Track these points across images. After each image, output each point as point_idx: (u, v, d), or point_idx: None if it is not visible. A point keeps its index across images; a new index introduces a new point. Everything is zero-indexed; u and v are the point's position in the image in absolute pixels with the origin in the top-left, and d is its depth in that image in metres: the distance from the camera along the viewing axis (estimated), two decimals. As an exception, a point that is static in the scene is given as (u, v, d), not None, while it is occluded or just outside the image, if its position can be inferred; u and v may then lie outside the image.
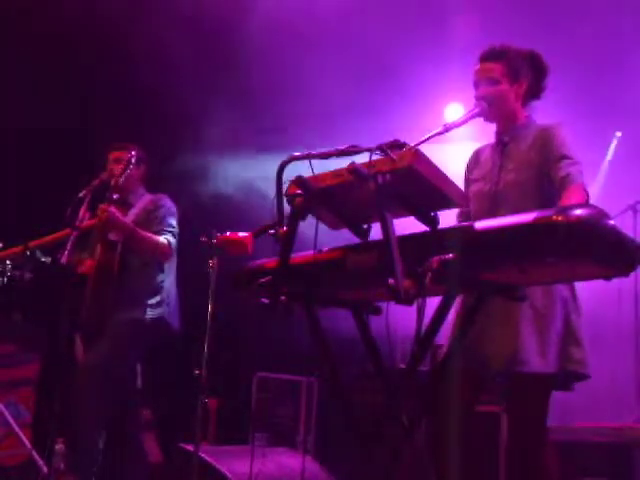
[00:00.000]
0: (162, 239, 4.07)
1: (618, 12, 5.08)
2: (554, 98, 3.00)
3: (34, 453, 4.53)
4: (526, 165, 2.76)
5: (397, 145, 2.09)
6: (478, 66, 2.87)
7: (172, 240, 4.11)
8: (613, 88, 5.25)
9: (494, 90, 2.81)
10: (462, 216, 2.92)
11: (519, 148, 2.82)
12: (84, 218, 3.89)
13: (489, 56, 2.85)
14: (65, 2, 5.28)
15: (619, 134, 5.56)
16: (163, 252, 4.07)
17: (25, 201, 5.71)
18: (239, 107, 5.83)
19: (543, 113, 2.96)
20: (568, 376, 2.66)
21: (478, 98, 2.83)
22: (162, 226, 4.12)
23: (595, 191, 5.38)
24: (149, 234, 4.04)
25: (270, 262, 2.35)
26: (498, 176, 2.82)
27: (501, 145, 2.88)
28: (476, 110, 2.80)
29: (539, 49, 2.94)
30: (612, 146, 5.57)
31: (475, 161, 3.01)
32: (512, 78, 2.83)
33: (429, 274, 1.92)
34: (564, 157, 2.70)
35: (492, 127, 2.95)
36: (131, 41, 5.30)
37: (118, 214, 3.96)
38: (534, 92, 2.90)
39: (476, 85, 2.87)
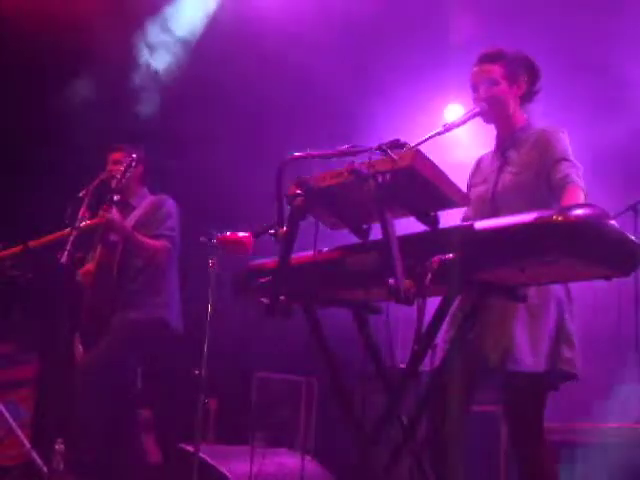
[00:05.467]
0: (158, 244, 4.07)
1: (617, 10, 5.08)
2: (554, 98, 3.00)
3: (34, 453, 4.53)
4: (524, 168, 2.77)
5: (397, 145, 2.10)
6: (476, 68, 2.87)
7: (168, 244, 4.12)
8: (612, 86, 5.26)
9: (495, 91, 2.82)
10: (465, 220, 2.92)
11: (518, 151, 2.82)
12: (84, 218, 3.90)
13: (487, 58, 2.86)
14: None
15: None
16: (158, 257, 4.08)
17: (25, 201, 5.71)
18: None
19: (542, 114, 2.96)
20: (558, 375, 2.66)
21: (478, 99, 2.83)
22: (161, 229, 4.13)
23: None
24: (145, 239, 4.05)
25: (270, 262, 2.35)
26: (497, 179, 2.83)
27: (501, 149, 2.89)
28: (476, 110, 2.81)
29: (538, 49, 2.94)
30: None
31: (476, 167, 3.02)
32: (511, 80, 2.84)
33: (429, 274, 1.92)
34: (563, 159, 2.70)
35: (492, 127, 2.95)
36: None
37: (117, 217, 3.97)
38: (529, 96, 2.91)
39: (475, 87, 2.87)
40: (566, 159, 2.70)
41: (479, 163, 3.02)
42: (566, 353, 2.63)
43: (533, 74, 2.89)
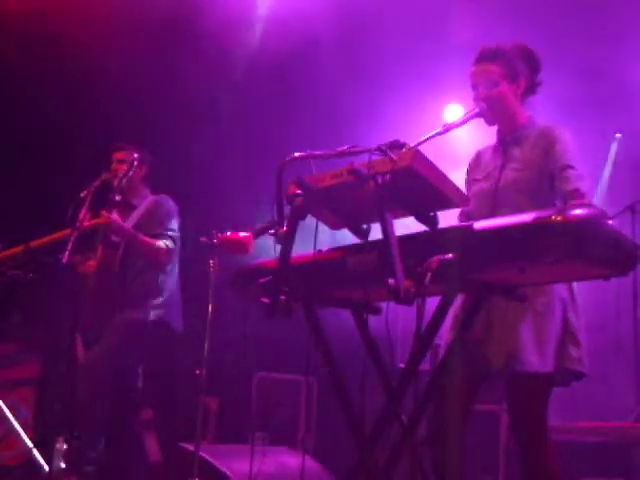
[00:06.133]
0: (160, 244, 4.08)
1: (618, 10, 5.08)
2: (553, 98, 3.00)
3: (35, 452, 4.54)
4: (527, 165, 2.76)
5: (397, 145, 2.10)
6: (475, 68, 2.85)
7: (170, 244, 4.12)
8: (612, 87, 5.26)
9: (494, 92, 2.80)
10: (463, 216, 2.92)
11: (521, 148, 2.81)
12: (85, 218, 3.90)
13: (485, 57, 2.83)
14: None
15: (619, 135, 5.56)
16: (160, 257, 4.08)
17: (25, 201, 5.72)
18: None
19: (542, 113, 2.96)
20: (566, 374, 2.66)
21: (478, 99, 2.83)
22: (162, 229, 4.13)
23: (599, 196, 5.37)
24: (148, 239, 4.05)
25: (270, 262, 2.35)
26: (499, 175, 2.82)
27: (503, 145, 2.88)
28: (476, 110, 2.80)
29: (538, 48, 2.93)
30: (612, 149, 5.56)
31: (476, 162, 3.00)
32: (510, 78, 2.82)
33: (429, 274, 1.92)
34: (569, 167, 2.68)
35: (493, 126, 2.95)
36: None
37: (118, 220, 3.97)
38: (530, 88, 2.90)
39: (474, 87, 2.85)
40: (572, 167, 2.68)
41: (479, 157, 3.00)
42: (573, 352, 2.63)
43: (533, 66, 2.87)
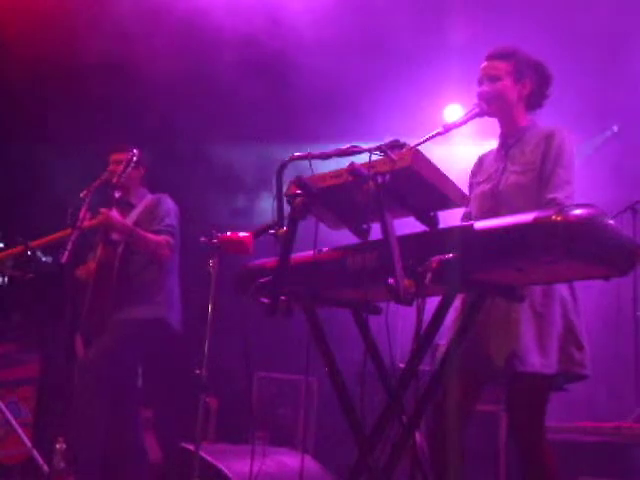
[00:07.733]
0: (161, 239, 4.08)
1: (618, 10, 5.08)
2: (552, 98, 3.00)
3: (35, 452, 4.54)
4: (528, 168, 2.76)
5: (397, 145, 2.10)
6: (485, 63, 2.87)
7: (171, 240, 4.12)
8: (613, 85, 5.26)
9: (497, 87, 2.81)
10: (465, 218, 2.92)
11: (522, 151, 2.81)
12: (85, 218, 3.90)
13: (496, 55, 2.86)
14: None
15: (615, 128, 5.57)
16: (162, 252, 4.08)
17: (25, 201, 5.72)
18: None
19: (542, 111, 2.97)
20: (568, 377, 2.66)
21: (479, 94, 2.83)
22: (161, 226, 4.13)
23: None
24: (148, 234, 4.05)
25: (270, 262, 2.35)
26: (500, 177, 2.82)
27: (505, 147, 2.89)
28: (476, 110, 2.80)
29: (538, 47, 2.94)
30: (603, 137, 5.58)
31: (479, 166, 3.01)
32: (516, 77, 2.83)
33: (429, 274, 1.92)
34: (556, 173, 2.68)
35: (494, 127, 2.95)
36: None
37: (117, 216, 3.98)
38: (537, 99, 2.90)
39: (480, 82, 2.87)
40: (559, 173, 2.68)
41: (482, 161, 3.01)
42: (576, 355, 2.63)
43: (542, 77, 2.88)
